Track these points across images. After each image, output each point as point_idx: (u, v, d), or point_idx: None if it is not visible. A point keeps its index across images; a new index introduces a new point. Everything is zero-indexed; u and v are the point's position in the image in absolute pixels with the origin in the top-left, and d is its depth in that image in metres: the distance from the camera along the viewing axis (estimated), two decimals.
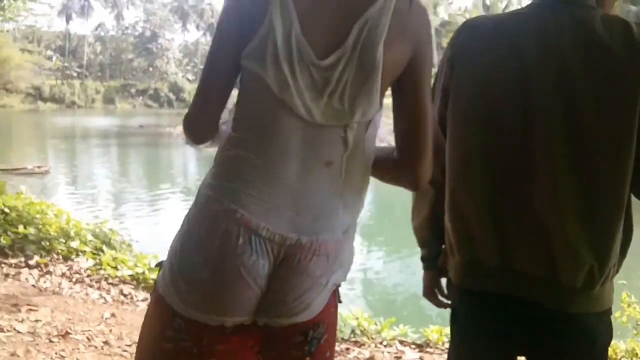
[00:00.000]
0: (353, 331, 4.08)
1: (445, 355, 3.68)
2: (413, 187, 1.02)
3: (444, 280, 1.37)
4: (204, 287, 0.92)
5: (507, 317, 1.18)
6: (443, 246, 1.31)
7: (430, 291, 1.37)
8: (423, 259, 1.37)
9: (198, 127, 0.99)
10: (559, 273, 1.11)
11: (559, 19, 1.10)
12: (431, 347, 3.87)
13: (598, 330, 1.15)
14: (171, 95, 61.30)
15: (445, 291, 1.37)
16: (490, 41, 1.15)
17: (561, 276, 1.11)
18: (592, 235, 1.08)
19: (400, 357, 3.61)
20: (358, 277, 8.25)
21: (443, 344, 3.87)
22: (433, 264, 1.34)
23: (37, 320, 3.23)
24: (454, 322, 1.30)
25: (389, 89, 0.94)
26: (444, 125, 1.19)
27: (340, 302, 1.06)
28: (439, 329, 3.97)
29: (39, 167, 16.30)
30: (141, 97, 60.70)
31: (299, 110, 0.87)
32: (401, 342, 3.98)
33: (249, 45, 0.87)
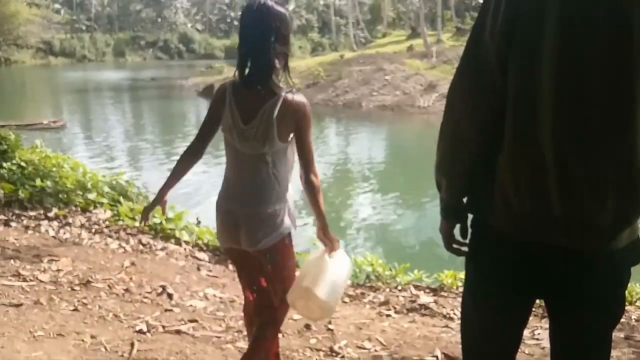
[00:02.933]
0: (368, 277, 4.14)
1: (459, 299, 3.73)
2: (305, 183, 1.86)
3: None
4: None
5: (542, 263, 1.18)
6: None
7: (453, 240, 1.35)
8: (453, 208, 1.31)
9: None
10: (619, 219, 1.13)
11: None
12: (445, 292, 3.91)
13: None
14: (181, 47, 60.43)
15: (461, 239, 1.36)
16: None
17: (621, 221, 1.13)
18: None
19: (414, 301, 3.66)
20: (373, 224, 8.32)
21: (457, 288, 3.91)
22: (461, 214, 1.31)
23: (58, 270, 3.32)
24: (476, 265, 1.30)
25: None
26: (504, 57, 1.11)
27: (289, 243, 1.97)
28: (453, 273, 4.00)
29: (54, 121, 16.38)
30: (151, 49, 59.95)
31: (237, 146, 1.87)
32: (416, 287, 4.02)
33: (221, 125, 1.91)
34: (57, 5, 62.66)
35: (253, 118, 1.78)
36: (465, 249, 1.35)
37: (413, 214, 9.01)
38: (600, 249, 1.16)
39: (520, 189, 1.14)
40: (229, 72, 31.40)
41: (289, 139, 1.83)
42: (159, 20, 64.40)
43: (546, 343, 2.77)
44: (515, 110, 1.12)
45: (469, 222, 1.32)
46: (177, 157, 2.02)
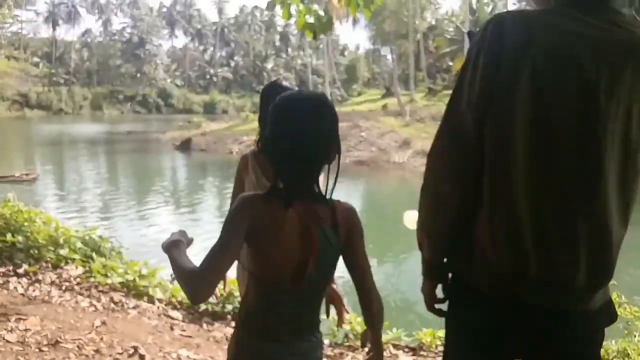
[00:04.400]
0: (347, 335, 4.08)
1: (439, 358, 3.70)
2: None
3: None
4: None
5: (519, 322, 1.22)
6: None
7: (435, 300, 1.37)
8: (435, 267, 1.33)
9: None
10: (591, 278, 1.18)
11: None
12: (424, 351, 3.88)
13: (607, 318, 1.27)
14: (160, 101, 61.03)
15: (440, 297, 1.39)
16: (545, 40, 1.14)
17: (590, 280, 1.18)
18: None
19: None
20: (348, 282, 8.24)
21: (436, 347, 3.89)
22: (443, 273, 1.34)
23: (26, 330, 3.19)
24: (456, 324, 1.33)
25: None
26: (480, 123, 1.18)
27: None
28: (431, 331, 3.98)
29: (26, 174, 16.13)
30: (129, 103, 60.35)
31: None
32: (395, 346, 3.98)
33: None
34: (35, 59, 63.07)
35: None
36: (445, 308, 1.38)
37: (389, 269, 9.00)
38: (577, 308, 1.20)
39: (498, 247, 1.18)
40: (208, 126, 31.59)
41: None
42: (139, 75, 65.24)
43: None
44: (492, 173, 1.18)
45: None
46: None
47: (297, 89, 1.55)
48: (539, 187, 1.15)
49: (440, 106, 28.80)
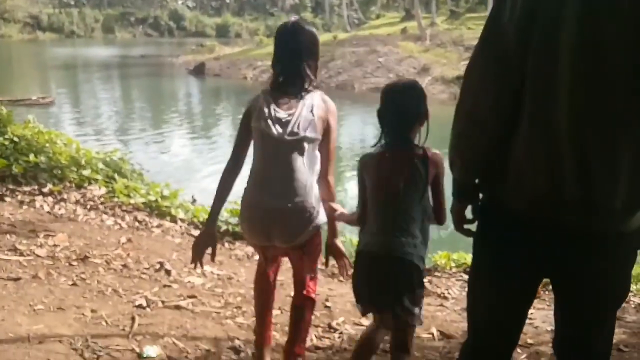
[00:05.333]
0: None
1: (453, 279, 3.78)
2: (323, 179, 1.91)
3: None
4: None
5: (553, 243, 1.21)
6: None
7: (464, 220, 1.38)
8: (466, 188, 1.33)
9: None
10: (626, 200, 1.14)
11: None
12: (439, 272, 3.96)
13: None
14: (171, 24, 59.52)
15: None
16: None
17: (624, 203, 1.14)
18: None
19: None
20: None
21: (450, 268, 3.97)
22: (474, 194, 1.33)
23: (55, 245, 3.31)
24: (485, 244, 1.32)
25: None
26: (523, 39, 1.11)
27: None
28: (446, 254, 4.05)
29: (43, 97, 16.15)
30: (141, 26, 59.00)
31: (274, 133, 1.84)
32: None
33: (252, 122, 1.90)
34: None
35: (294, 108, 1.83)
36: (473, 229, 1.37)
37: None
38: (611, 231, 1.18)
39: (535, 168, 1.15)
40: (221, 50, 30.98)
41: (321, 136, 1.86)
42: None
43: (539, 322, 2.84)
44: (533, 93, 1.13)
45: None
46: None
47: (313, 28, 1.94)
48: (582, 108, 1.09)
49: (462, 30, 27.65)
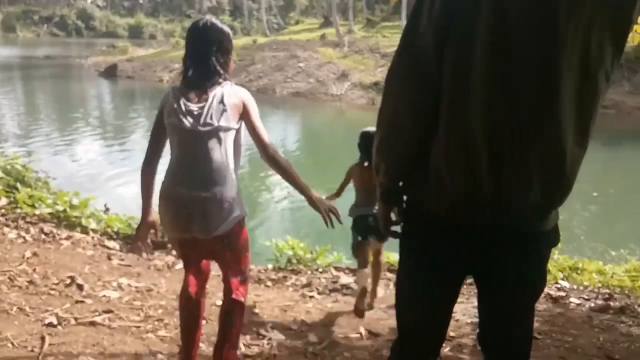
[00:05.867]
0: (289, 260, 4.15)
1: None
2: (271, 158, 1.93)
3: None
4: None
5: (472, 242, 1.25)
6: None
7: (390, 222, 1.40)
8: (391, 191, 1.35)
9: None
10: (544, 197, 1.19)
11: None
12: None
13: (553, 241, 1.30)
14: (80, 23, 56.16)
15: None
16: None
17: (543, 199, 1.19)
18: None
19: (336, 282, 3.74)
20: (288, 207, 8.33)
21: None
22: (398, 197, 1.35)
23: None
24: (410, 246, 1.36)
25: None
26: (440, 44, 1.14)
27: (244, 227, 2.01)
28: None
29: None
30: (46, 25, 55.18)
31: (187, 126, 1.87)
32: (336, 269, 4.10)
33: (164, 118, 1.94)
34: None
35: (204, 101, 1.87)
36: (399, 230, 1.40)
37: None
38: (527, 230, 1.24)
39: (453, 168, 1.19)
40: (134, 52, 29.72)
41: (238, 123, 1.90)
42: None
43: (459, 315, 2.95)
44: (449, 95, 1.16)
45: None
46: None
47: (227, 27, 1.96)
48: (495, 108, 1.14)
49: (378, 38, 28.51)
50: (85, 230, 4.17)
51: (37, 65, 28.32)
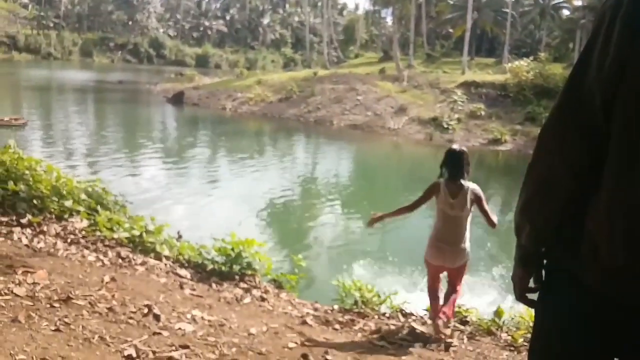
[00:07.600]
0: (356, 302, 4.06)
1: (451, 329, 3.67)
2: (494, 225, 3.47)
3: None
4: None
5: (627, 321, 1.11)
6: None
7: (527, 290, 1.27)
8: (533, 256, 1.24)
9: None
10: None
11: None
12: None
13: None
14: (151, 51, 59.52)
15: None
16: None
17: None
18: None
19: (403, 329, 3.60)
20: (341, 245, 8.25)
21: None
22: (540, 262, 1.24)
23: (35, 283, 3.08)
24: (551, 313, 1.23)
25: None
26: (610, 101, 1.03)
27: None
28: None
29: (15, 119, 15.72)
30: (120, 52, 58.77)
31: (448, 212, 3.49)
32: (403, 314, 3.97)
33: (436, 201, 3.60)
34: (25, 0, 60.73)
35: (457, 197, 3.39)
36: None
37: (378, 231, 8.93)
38: None
39: (615, 241, 1.07)
40: (200, 80, 31.02)
41: (472, 209, 3.42)
42: (130, 23, 63.29)
43: None
44: (619, 156, 1.05)
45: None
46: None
47: (464, 148, 3.65)
48: None
49: (438, 73, 28.41)
50: (158, 256, 4.26)
51: (111, 89, 30.06)
